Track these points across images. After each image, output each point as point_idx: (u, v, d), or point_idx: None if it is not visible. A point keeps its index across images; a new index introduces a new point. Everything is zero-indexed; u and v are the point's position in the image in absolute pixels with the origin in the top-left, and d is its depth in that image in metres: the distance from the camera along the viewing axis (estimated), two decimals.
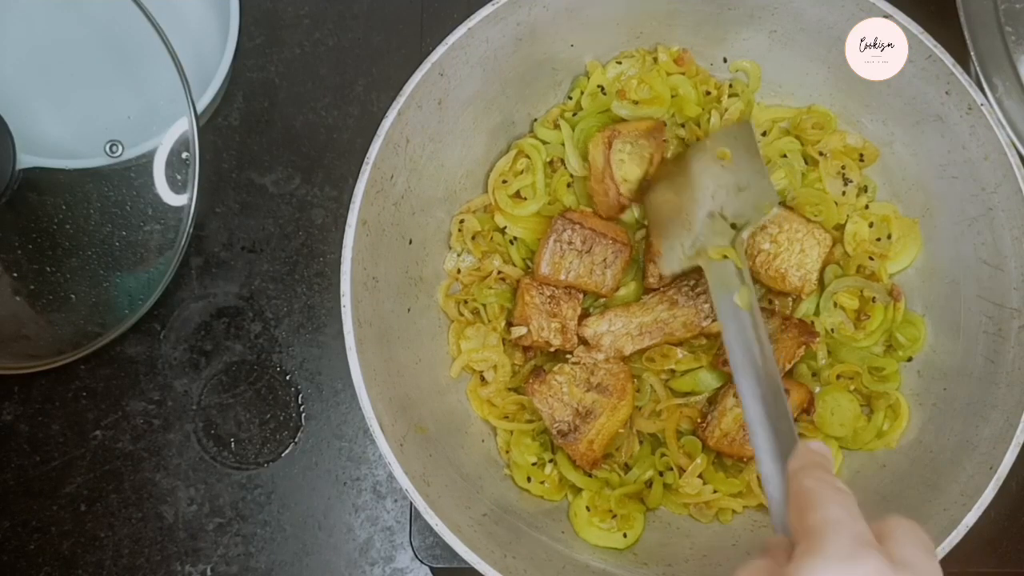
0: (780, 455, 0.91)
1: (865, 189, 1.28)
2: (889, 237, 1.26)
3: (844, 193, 1.27)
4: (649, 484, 1.23)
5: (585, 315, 1.25)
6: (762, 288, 1.26)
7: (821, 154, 1.27)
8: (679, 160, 1.24)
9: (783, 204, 1.26)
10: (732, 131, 1.22)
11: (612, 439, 1.22)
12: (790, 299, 1.26)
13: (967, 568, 1.28)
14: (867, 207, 1.27)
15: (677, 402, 1.24)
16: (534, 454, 1.23)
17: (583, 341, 1.23)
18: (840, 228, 1.28)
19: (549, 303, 1.23)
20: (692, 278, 1.22)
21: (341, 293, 1.09)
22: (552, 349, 1.23)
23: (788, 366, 1.21)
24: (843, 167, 1.27)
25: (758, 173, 1.19)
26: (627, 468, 1.24)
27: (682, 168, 1.22)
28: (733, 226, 1.16)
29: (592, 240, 1.21)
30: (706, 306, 1.21)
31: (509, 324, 1.25)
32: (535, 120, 1.31)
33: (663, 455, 1.23)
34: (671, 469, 1.23)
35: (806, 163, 1.29)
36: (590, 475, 1.22)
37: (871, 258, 1.25)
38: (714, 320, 1.20)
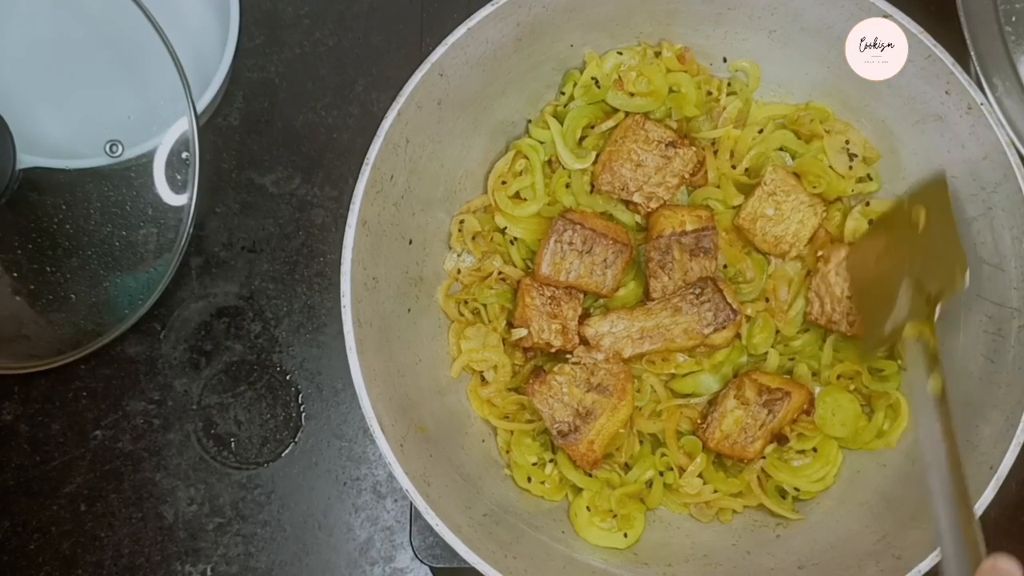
0: (966, 568, 0.90)
1: (869, 177, 1.28)
2: None
3: (851, 167, 1.27)
4: (649, 484, 1.23)
5: (586, 315, 1.25)
6: (748, 247, 1.27)
7: (826, 131, 1.27)
8: (881, 224, 1.21)
9: (793, 173, 1.26)
10: (927, 186, 1.18)
11: (612, 439, 1.22)
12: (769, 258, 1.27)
13: None
14: (868, 204, 1.27)
15: (677, 403, 1.24)
16: (534, 454, 1.23)
17: (584, 340, 1.23)
18: (840, 201, 1.28)
19: (550, 304, 1.23)
20: (698, 286, 1.22)
21: (341, 293, 1.09)
22: (553, 350, 1.23)
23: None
24: (847, 141, 1.27)
25: (952, 235, 1.11)
26: (627, 468, 1.24)
27: (882, 232, 1.18)
28: (928, 298, 1.09)
29: (593, 240, 1.21)
30: (709, 315, 1.20)
31: (510, 325, 1.25)
32: (529, 121, 1.31)
33: (663, 455, 1.23)
34: (671, 469, 1.23)
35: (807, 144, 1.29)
36: (590, 475, 1.22)
37: None
38: (716, 330, 1.20)
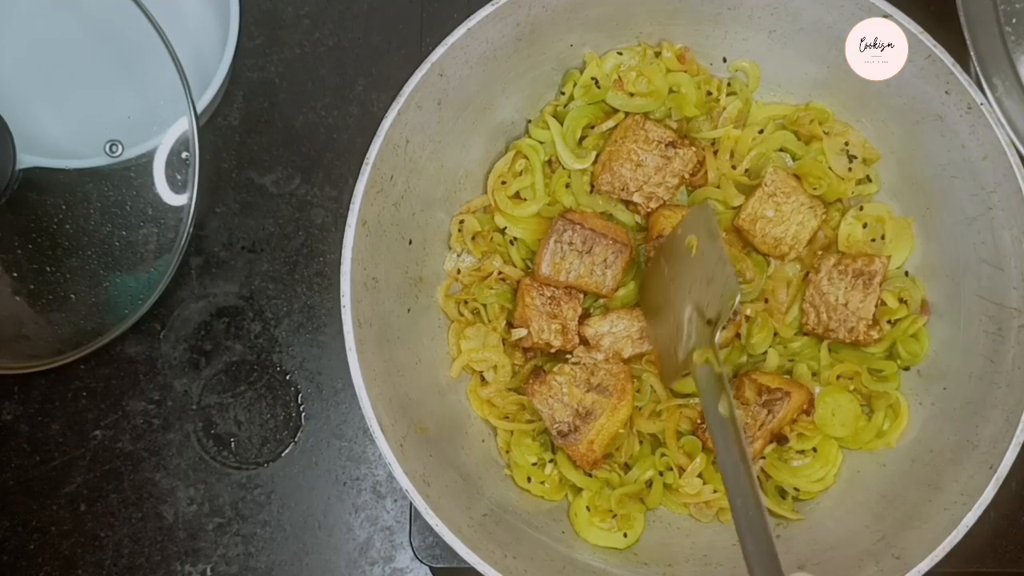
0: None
1: (868, 178, 1.28)
2: (883, 238, 1.26)
3: (850, 170, 1.27)
4: (649, 484, 1.23)
5: (586, 315, 1.25)
6: (748, 248, 1.27)
7: (825, 133, 1.27)
8: (659, 258, 1.21)
9: (793, 175, 1.26)
10: (695, 214, 1.18)
11: (612, 439, 1.22)
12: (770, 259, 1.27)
13: (967, 568, 1.27)
14: (862, 208, 1.27)
15: (677, 403, 1.24)
16: (534, 454, 1.23)
17: (583, 340, 1.23)
18: (840, 203, 1.28)
19: (549, 304, 1.23)
20: None
21: (341, 294, 1.09)
22: (553, 350, 1.23)
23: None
24: (846, 143, 1.27)
25: (720, 260, 1.11)
26: (627, 468, 1.24)
27: (662, 266, 1.19)
28: (709, 322, 1.10)
29: (593, 240, 1.21)
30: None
31: (509, 325, 1.25)
32: (529, 121, 1.31)
33: (663, 455, 1.23)
34: (671, 469, 1.23)
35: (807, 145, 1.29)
36: (590, 475, 1.22)
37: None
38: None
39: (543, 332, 1.22)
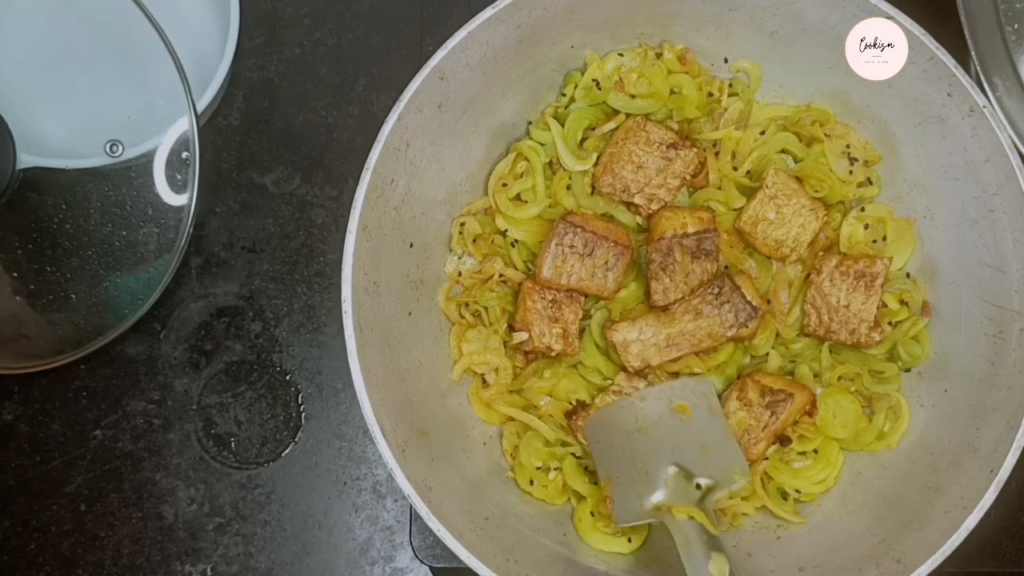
0: None
1: (869, 181, 1.28)
2: (884, 239, 1.26)
3: (851, 172, 1.26)
4: None
5: (612, 322, 1.24)
6: (748, 250, 1.27)
7: (826, 135, 1.27)
8: (625, 408, 1.19)
9: (795, 177, 1.26)
10: (692, 386, 1.19)
11: None
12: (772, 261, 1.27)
13: (967, 568, 1.27)
14: (863, 210, 1.27)
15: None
16: (541, 459, 1.23)
17: (623, 368, 1.23)
18: (841, 205, 1.28)
19: (551, 308, 1.23)
20: (716, 285, 1.22)
21: (342, 299, 1.09)
22: (554, 354, 1.23)
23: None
24: (848, 146, 1.27)
25: (723, 435, 1.15)
26: None
27: (630, 414, 1.17)
28: (698, 487, 1.10)
29: (594, 243, 1.21)
30: (730, 316, 1.20)
31: (511, 327, 1.25)
32: (530, 123, 1.31)
33: None
34: None
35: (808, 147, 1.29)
36: (596, 484, 1.22)
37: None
38: (739, 328, 1.20)
39: (544, 336, 1.22)
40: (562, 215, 1.24)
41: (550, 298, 1.23)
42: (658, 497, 1.10)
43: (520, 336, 1.23)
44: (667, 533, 1.18)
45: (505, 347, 1.25)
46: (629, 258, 1.23)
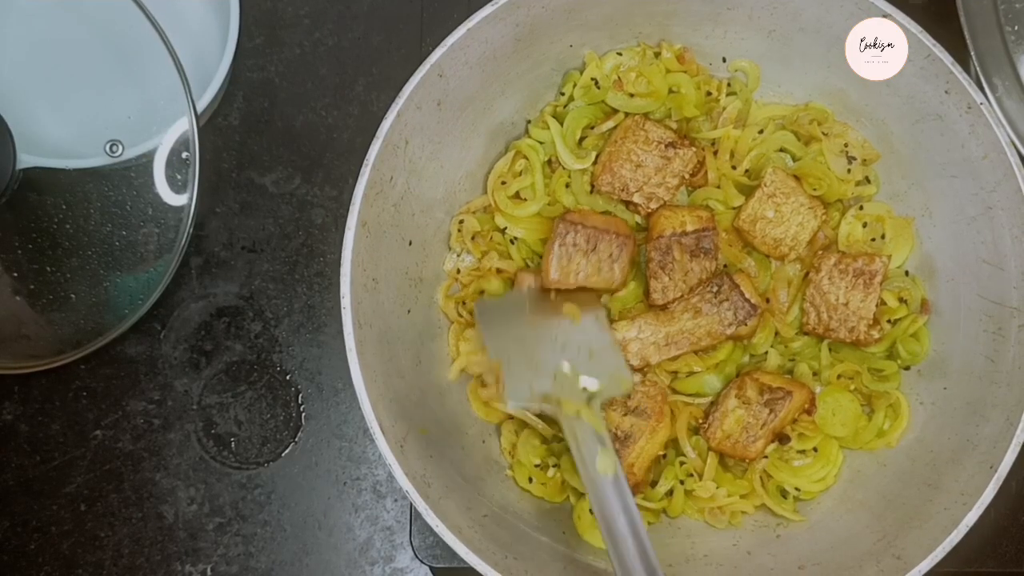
0: None
1: (867, 179, 1.28)
2: (883, 237, 1.26)
3: (849, 171, 1.27)
4: (670, 493, 1.23)
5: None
6: (747, 249, 1.28)
7: (824, 134, 1.27)
8: (516, 297, 1.23)
9: (793, 175, 1.26)
10: (581, 297, 1.22)
11: (653, 462, 1.22)
12: (771, 259, 1.27)
13: (967, 568, 1.28)
14: (862, 208, 1.27)
15: (682, 399, 1.24)
16: (539, 456, 1.23)
17: None
18: (840, 203, 1.28)
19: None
20: (715, 283, 1.22)
21: (341, 295, 1.09)
22: None
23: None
24: (846, 145, 1.27)
25: (610, 345, 1.19)
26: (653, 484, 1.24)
27: (522, 304, 1.21)
28: (584, 389, 1.14)
29: (596, 238, 1.20)
30: (729, 314, 1.21)
31: None
32: (529, 121, 1.31)
33: (682, 462, 1.23)
34: (691, 476, 1.22)
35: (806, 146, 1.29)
36: None
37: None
38: (738, 327, 1.21)
39: None
40: (560, 215, 1.24)
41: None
42: (547, 387, 1.13)
43: None
44: (663, 530, 1.18)
45: None
46: (632, 247, 1.22)
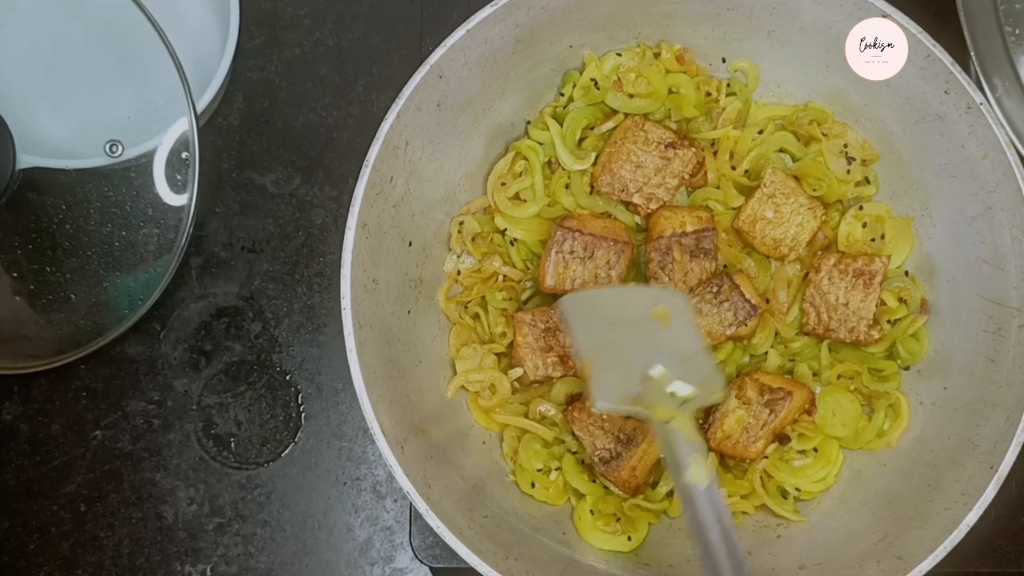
0: None
1: (867, 180, 1.28)
2: (883, 237, 1.26)
3: (849, 172, 1.27)
4: (670, 494, 1.23)
5: None
6: (747, 249, 1.27)
7: (824, 134, 1.27)
8: (607, 295, 1.20)
9: (793, 176, 1.26)
10: (670, 296, 1.19)
11: (654, 465, 1.21)
12: (771, 260, 1.27)
13: (967, 568, 1.28)
14: (862, 208, 1.27)
15: None
16: (542, 461, 1.23)
17: None
18: (840, 204, 1.28)
19: (544, 337, 1.22)
20: (715, 284, 1.22)
21: (341, 296, 1.09)
22: (554, 380, 1.24)
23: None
24: (845, 145, 1.27)
25: (702, 350, 1.14)
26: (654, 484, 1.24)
27: (612, 304, 1.18)
28: (673, 395, 1.09)
29: (593, 245, 1.21)
30: (729, 315, 1.21)
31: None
32: (528, 122, 1.31)
33: None
34: None
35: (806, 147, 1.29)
36: (595, 481, 1.22)
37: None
38: (738, 327, 1.21)
39: (539, 369, 1.22)
40: (559, 221, 1.23)
41: (542, 327, 1.22)
42: (636, 390, 1.10)
43: (515, 373, 1.23)
44: (664, 531, 1.18)
45: (500, 361, 1.26)
46: (630, 254, 1.23)
